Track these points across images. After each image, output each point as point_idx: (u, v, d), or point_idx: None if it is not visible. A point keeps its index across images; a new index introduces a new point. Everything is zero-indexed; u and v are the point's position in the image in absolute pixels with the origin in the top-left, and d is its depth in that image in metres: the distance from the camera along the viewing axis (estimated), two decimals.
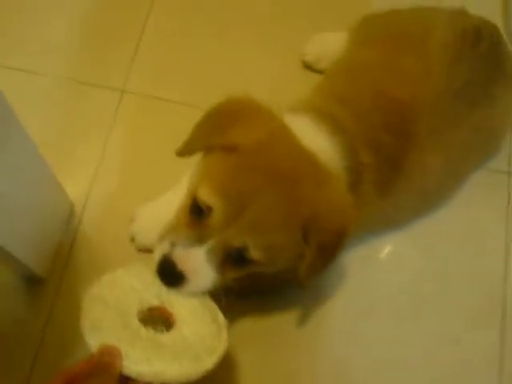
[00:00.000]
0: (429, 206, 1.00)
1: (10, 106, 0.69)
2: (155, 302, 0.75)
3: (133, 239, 0.93)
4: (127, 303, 0.74)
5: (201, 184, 0.71)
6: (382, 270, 0.98)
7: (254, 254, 0.70)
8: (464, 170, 1.00)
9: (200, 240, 0.71)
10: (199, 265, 0.71)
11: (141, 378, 0.69)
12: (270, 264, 0.73)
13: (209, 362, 0.71)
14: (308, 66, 1.11)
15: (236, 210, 0.68)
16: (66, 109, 1.06)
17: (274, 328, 0.92)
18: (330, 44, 1.07)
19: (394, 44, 0.93)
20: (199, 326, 0.75)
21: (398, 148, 0.85)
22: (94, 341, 0.69)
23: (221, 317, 0.76)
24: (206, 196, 0.70)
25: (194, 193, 0.72)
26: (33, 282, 0.92)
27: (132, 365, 0.68)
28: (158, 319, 0.75)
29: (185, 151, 0.76)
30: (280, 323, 0.92)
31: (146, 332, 0.72)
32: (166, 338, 0.73)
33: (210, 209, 0.70)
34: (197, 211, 0.72)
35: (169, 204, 0.88)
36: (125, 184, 1.00)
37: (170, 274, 0.73)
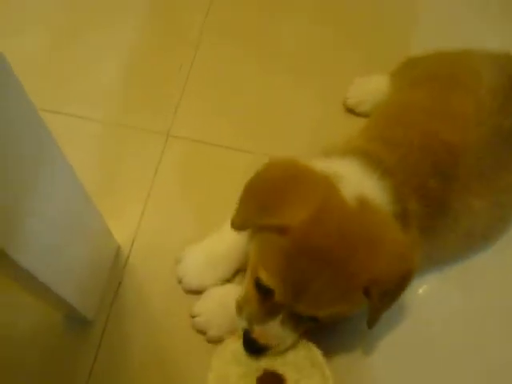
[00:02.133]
0: (474, 248, 0.99)
1: (60, 149, 0.72)
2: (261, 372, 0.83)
3: (180, 281, 0.95)
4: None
5: (259, 266, 0.77)
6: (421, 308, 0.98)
7: (322, 317, 0.77)
8: (509, 215, 0.99)
9: (271, 314, 0.78)
10: (277, 334, 0.79)
11: None
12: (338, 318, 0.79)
13: None
14: (350, 110, 1.12)
15: (296, 291, 0.73)
16: (114, 153, 1.10)
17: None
18: (371, 87, 1.09)
19: (442, 85, 0.93)
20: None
21: (446, 192, 0.85)
22: None
23: (326, 370, 0.83)
24: (265, 279, 0.75)
25: (255, 272, 0.78)
26: (80, 324, 0.94)
27: None
28: None
29: (237, 226, 0.79)
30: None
31: None
32: None
33: (272, 290, 0.75)
34: (262, 289, 0.77)
35: (214, 246, 0.94)
36: (170, 226, 1.03)
37: (255, 349, 0.81)
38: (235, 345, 0.85)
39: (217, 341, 0.91)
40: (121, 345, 0.93)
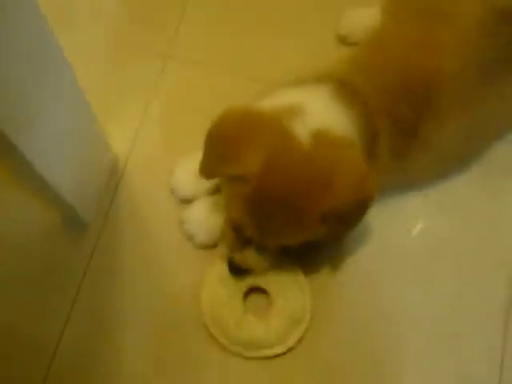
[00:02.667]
0: (446, 170, 1.04)
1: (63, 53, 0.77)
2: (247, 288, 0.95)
3: (173, 190, 1.01)
4: (234, 304, 0.94)
5: (229, 209, 0.86)
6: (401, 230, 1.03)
7: (286, 243, 0.84)
8: (484, 143, 1.04)
9: (246, 244, 0.88)
10: (254, 260, 0.89)
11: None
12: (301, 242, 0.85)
13: (295, 336, 0.93)
14: (342, 40, 1.15)
15: (260, 227, 0.81)
16: (114, 74, 1.13)
17: None
18: (362, 18, 1.12)
19: (427, 18, 0.95)
20: (289, 301, 0.93)
21: (417, 114, 0.89)
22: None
23: (305, 286, 0.95)
24: (235, 220, 0.84)
25: (227, 213, 0.88)
26: (77, 226, 1.00)
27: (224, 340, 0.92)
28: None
29: (205, 175, 0.86)
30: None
31: (244, 314, 0.93)
32: (262, 322, 0.93)
33: (242, 227, 0.83)
34: (235, 227, 0.86)
35: None
36: (166, 141, 1.07)
37: (239, 271, 0.92)
38: (222, 268, 0.93)
39: (204, 247, 0.98)
40: (115, 248, 0.99)
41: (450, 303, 0.98)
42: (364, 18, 1.11)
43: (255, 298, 0.97)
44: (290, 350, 0.93)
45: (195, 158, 0.97)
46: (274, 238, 0.83)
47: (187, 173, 0.99)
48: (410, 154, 0.92)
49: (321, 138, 0.78)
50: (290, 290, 0.94)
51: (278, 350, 0.93)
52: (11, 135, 0.67)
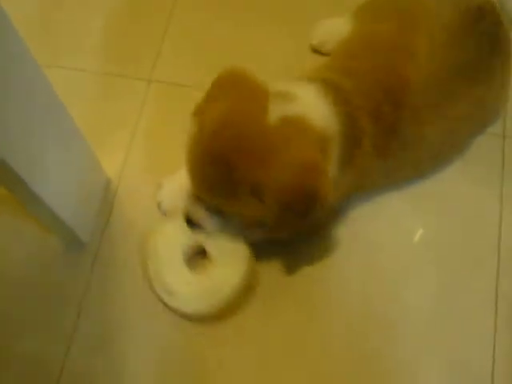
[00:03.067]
0: (423, 171, 1.07)
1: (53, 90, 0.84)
2: (194, 243, 1.00)
3: (159, 205, 1.06)
4: (174, 249, 0.99)
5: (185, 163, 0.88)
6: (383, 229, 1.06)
7: (224, 208, 0.89)
8: (461, 140, 1.07)
9: (199, 202, 0.92)
10: (204, 215, 0.93)
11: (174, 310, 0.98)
12: (242, 217, 0.90)
13: (227, 296, 0.96)
14: (316, 50, 1.20)
15: (197, 183, 0.86)
16: (100, 100, 1.19)
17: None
18: (334, 28, 1.14)
19: (399, 21, 0.98)
20: (226, 265, 0.98)
21: (396, 118, 0.92)
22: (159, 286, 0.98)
23: (244, 266, 0.97)
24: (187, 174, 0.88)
25: None
26: (74, 248, 1.04)
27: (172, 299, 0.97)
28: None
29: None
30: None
31: (187, 271, 0.98)
32: (199, 276, 0.98)
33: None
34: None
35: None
36: (154, 163, 1.13)
37: (193, 225, 0.95)
38: (174, 222, 1.00)
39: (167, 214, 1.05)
40: (112, 266, 1.04)
41: (438, 296, 1.01)
42: (334, 27, 1.14)
43: (200, 260, 1.01)
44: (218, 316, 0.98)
45: (179, 176, 1.02)
46: (208, 196, 0.87)
47: (171, 189, 1.05)
48: (391, 152, 0.95)
49: (289, 123, 0.81)
50: (228, 256, 0.98)
51: (200, 307, 0.97)
52: (13, 164, 0.72)
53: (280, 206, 0.81)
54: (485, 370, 0.96)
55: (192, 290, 0.97)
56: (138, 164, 1.12)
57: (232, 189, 0.82)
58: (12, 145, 0.72)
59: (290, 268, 1.02)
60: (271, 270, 1.02)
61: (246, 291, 0.99)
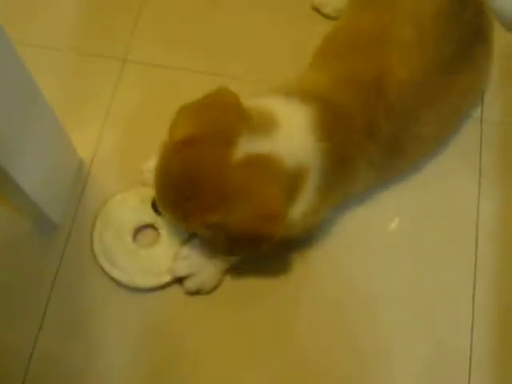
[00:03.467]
0: (414, 167, 1.07)
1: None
2: (149, 221, 1.00)
3: (141, 172, 1.04)
4: (126, 219, 1.00)
5: None
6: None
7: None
8: (450, 132, 1.08)
9: None
10: None
11: (118, 282, 0.97)
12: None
13: (164, 279, 0.97)
14: (317, 10, 1.20)
15: (159, 200, 0.87)
16: (74, 78, 1.16)
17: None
18: None
19: (387, 12, 0.96)
20: (171, 249, 0.98)
21: (395, 128, 0.92)
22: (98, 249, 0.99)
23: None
24: None
25: None
26: (46, 230, 1.02)
27: (115, 271, 0.97)
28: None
29: None
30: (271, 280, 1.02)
31: (133, 245, 0.99)
32: (144, 252, 0.99)
33: None
34: None
35: None
36: (127, 144, 1.10)
37: (156, 210, 0.93)
38: (131, 199, 1.01)
39: None
40: (84, 247, 1.02)
41: (415, 277, 1.01)
42: None
43: (147, 234, 1.02)
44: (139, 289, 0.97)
45: None
46: (166, 213, 0.87)
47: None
48: (388, 162, 0.96)
49: (254, 162, 0.79)
50: (174, 246, 0.98)
51: (131, 279, 0.97)
52: None
53: (229, 239, 0.82)
54: (463, 351, 0.97)
55: (134, 263, 0.98)
56: (111, 145, 1.10)
57: (186, 217, 0.82)
58: None
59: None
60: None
61: None
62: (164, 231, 0.99)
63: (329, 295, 1.00)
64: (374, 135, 0.90)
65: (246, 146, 0.78)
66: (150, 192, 0.95)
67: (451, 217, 1.05)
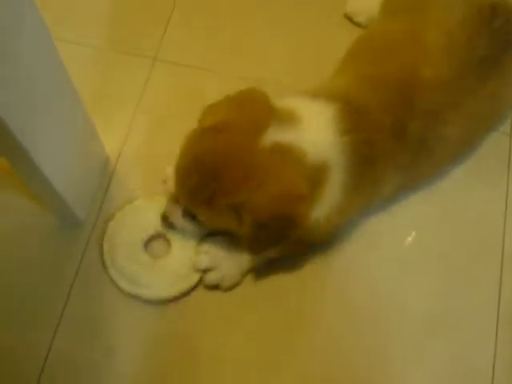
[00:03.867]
0: (443, 171, 1.07)
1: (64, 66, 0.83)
2: (155, 232, 1.00)
3: (164, 182, 1.03)
4: (133, 238, 0.99)
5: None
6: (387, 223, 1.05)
7: (199, 217, 0.89)
8: (477, 137, 1.08)
9: (178, 204, 0.92)
10: (179, 218, 0.93)
11: (145, 300, 0.96)
12: (217, 227, 0.93)
13: (193, 279, 0.97)
14: (349, 18, 1.21)
15: (179, 185, 0.87)
16: (104, 74, 1.16)
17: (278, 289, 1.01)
18: (369, 2, 1.16)
19: (415, 17, 0.99)
20: (187, 250, 0.97)
21: (422, 128, 0.92)
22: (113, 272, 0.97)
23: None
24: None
25: None
26: (71, 225, 1.02)
27: (136, 289, 0.96)
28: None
29: None
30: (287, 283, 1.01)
31: (149, 259, 0.98)
32: (162, 262, 0.98)
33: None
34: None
35: None
36: (155, 143, 1.10)
37: (166, 223, 0.96)
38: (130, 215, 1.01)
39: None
40: None
41: (439, 294, 1.01)
42: (370, 2, 1.16)
43: (158, 244, 1.01)
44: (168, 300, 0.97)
45: None
46: (187, 201, 0.87)
47: None
48: (415, 164, 0.96)
49: (279, 150, 0.81)
50: (189, 248, 0.98)
51: (157, 293, 0.96)
52: (13, 127, 0.70)
53: (255, 225, 0.82)
54: (484, 372, 0.96)
55: (158, 276, 0.97)
56: (137, 143, 1.10)
57: (211, 198, 0.82)
58: (13, 106, 0.69)
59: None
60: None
61: None
62: (173, 237, 0.99)
63: (347, 302, 0.99)
64: (400, 135, 0.91)
65: (273, 136, 0.81)
66: (145, 203, 1.01)
67: (476, 234, 1.05)
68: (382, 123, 0.90)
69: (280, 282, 1.00)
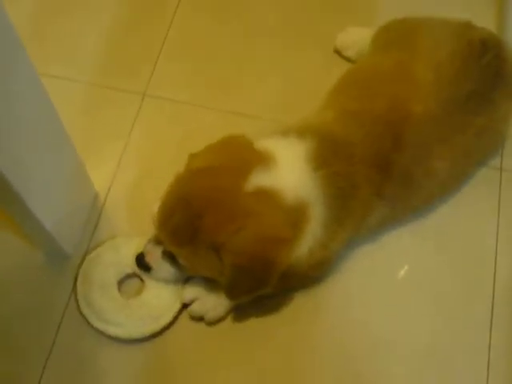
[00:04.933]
0: (430, 205, 1.07)
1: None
2: (130, 271, 1.00)
3: (153, 216, 1.01)
4: (108, 275, 0.99)
5: None
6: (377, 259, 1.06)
7: (179, 259, 0.89)
8: (466, 172, 1.08)
9: (158, 245, 0.92)
10: (158, 259, 0.93)
11: (116, 338, 0.96)
12: (196, 270, 0.93)
13: (166, 320, 0.96)
14: (338, 52, 1.22)
15: (160, 221, 0.87)
16: (93, 111, 1.18)
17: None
18: (358, 36, 1.18)
19: (405, 52, 1.00)
20: (161, 290, 0.97)
21: (408, 162, 0.93)
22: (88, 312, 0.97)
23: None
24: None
25: None
26: (58, 261, 1.02)
27: (111, 328, 0.95)
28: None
29: None
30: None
31: (121, 298, 0.98)
32: (135, 302, 0.97)
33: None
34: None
35: None
36: (144, 179, 1.11)
37: (141, 262, 0.95)
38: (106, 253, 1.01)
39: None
40: None
41: (434, 329, 1.00)
42: (359, 36, 1.18)
43: (133, 283, 1.02)
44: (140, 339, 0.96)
45: None
46: (169, 240, 0.87)
47: None
48: (401, 197, 0.97)
49: (261, 193, 0.83)
50: (163, 288, 0.97)
51: (129, 332, 0.96)
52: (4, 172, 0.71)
53: (235, 267, 0.82)
54: None
55: (129, 315, 0.96)
56: (127, 179, 1.11)
57: (193, 237, 0.83)
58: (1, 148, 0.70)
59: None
60: None
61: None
62: (147, 277, 0.98)
63: (337, 336, 0.99)
64: (382, 165, 0.92)
65: (256, 179, 0.83)
66: (125, 241, 1.01)
67: (467, 268, 1.05)
68: (361, 154, 0.90)
69: (268, 317, 1.00)
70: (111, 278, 0.99)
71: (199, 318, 0.98)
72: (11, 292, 1.01)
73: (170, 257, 0.91)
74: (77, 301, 0.98)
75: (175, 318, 0.98)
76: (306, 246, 0.88)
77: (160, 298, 0.97)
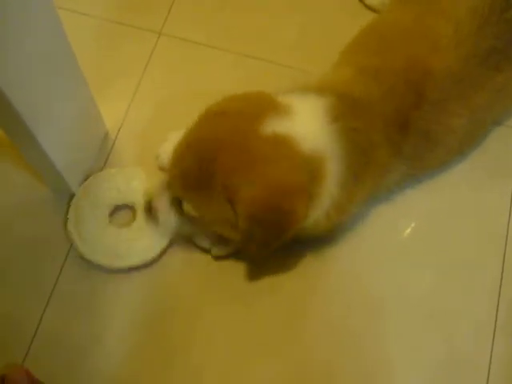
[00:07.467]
0: (450, 162, 1.07)
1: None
2: (129, 202, 1.02)
3: (157, 157, 1.04)
4: (104, 197, 1.00)
5: None
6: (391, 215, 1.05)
7: (186, 206, 0.88)
8: (483, 130, 1.08)
9: (167, 193, 0.91)
10: (165, 206, 0.91)
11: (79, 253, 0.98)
12: (205, 224, 0.91)
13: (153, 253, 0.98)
14: (361, 0, 1.20)
15: (172, 165, 0.86)
16: (108, 47, 1.16)
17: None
18: None
19: (423, 6, 0.98)
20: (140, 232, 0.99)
21: (427, 119, 0.92)
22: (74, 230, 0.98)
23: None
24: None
25: None
26: (63, 197, 1.02)
27: (100, 258, 0.97)
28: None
29: None
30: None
31: (105, 220, 0.99)
32: (112, 230, 0.99)
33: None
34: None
35: None
36: (155, 118, 1.10)
37: (150, 214, 0.94)
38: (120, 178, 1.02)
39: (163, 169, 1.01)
40: None
41: (439, 282, 1.01)
42: None
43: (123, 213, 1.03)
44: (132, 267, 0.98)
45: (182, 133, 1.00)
46: (180, 185, 0.86)
47: (172, 145, 1.00)
48: (418, 155, 0.95)
49: (278, 140, 0.81)
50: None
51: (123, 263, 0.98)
52: (12, 96, 0.71)
53: (249, 219, 0.80)
54: (481, 361, 0.96)
55: (98, 237, 0.98)
56: (138, 117, 1.11)
57: (206, 183, 0.81)
58: (12, 75, 0.70)
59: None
60: None
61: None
62: (141, 216, 0.99)
63: (341, 293, 1.00)
64: (402, 123, 0.91)
65: (272, 125, 0.81)
66: (136, 174, 1.01)
67: (479, 225, 1.05)
68: (381, 112, 0.89)
69: (276, 270, 1.00)
70: (108, 200, 1.00)
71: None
72: (14, 224, 1.02)
73: (178, 205, 0.90)
74: (67, 213, 1.00)
75: (162, 253, 0.99)
76: (322, 206, 0.87)
77: (134, 241, 0.98)
